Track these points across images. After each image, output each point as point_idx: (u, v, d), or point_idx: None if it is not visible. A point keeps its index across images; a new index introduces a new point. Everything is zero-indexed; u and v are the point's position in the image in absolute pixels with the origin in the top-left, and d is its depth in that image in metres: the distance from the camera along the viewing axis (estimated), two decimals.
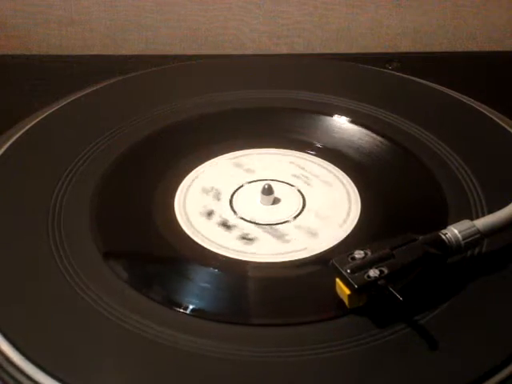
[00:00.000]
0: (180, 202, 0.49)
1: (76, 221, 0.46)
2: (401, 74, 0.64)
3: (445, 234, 0.40)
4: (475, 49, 0.81)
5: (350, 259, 0.39)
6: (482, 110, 0.57)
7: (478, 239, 0.41)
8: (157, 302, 0.40)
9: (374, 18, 0.80)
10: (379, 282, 0.37)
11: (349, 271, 0.38)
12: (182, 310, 0.40)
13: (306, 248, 0.45)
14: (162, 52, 0.80)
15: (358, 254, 0.39)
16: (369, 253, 0.39)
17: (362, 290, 0.37)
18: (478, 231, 0.41)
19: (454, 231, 0.40)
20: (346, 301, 0.38)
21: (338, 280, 0.39)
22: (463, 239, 0.40)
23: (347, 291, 0.38)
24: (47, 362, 0.36)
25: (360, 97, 0.58)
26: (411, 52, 0.79)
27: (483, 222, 0.41)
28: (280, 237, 0.46)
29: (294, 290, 0.42)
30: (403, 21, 0.80)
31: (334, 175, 0.52)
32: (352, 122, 0.56)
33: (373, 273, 0.38)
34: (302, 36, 0.81)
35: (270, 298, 0.42)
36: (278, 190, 0.50)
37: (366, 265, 0.38)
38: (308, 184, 0.51)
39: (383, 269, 0.38)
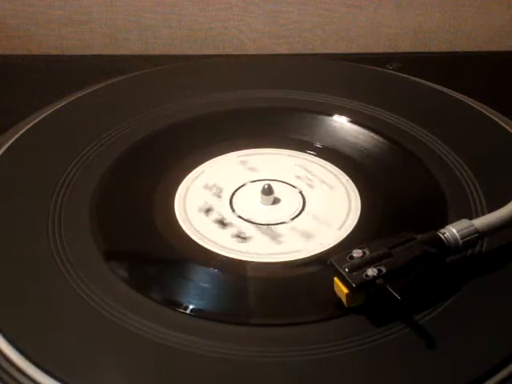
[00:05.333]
0: (180, 202, 0.49)
1: (76, 221, 0.46)
2: (401, 74, 0.64)
3: (443, 234, 0.40)
4: (475, 49, 0.81)
5: (348, 258, 0.39)
6: (481, 110, 0.57)
7: (477, 238, 0.41)
8: (157, 302, 0.40)
9: (373, 18, 0.80)
10: (377, 281, 0.37)
11: (347, 270, 0.38)
12: (181, 310, 0.40)
13: (305, 248, 0.45)
14: (162, 52, 0.80)
15: (357, 252, 0.39)
16: (367, 252, 0.39)
17: (360, 288, 0.37)
18: (477, 230, 0.41)
19: (452, 230, 0.40)
20: (344, 300, 0.38)
21: (336, 279, 0.39)
22: (461, 238, 0.40)
23: (345, 290, 0.38)
24: (47, 362, 0.36)
25: (360, 97, 0.58)
26: (411, 52, 0.79)
27: (481, 221, 0.41)
28: (279, 237, 0.46)
29: (293, 289, 0.42)
30: (403, 21, 0.80)
31: (334, 175, 0.52)
32: (352, 121, 0.56)
33: (371, 272, 0.38)
34: (302, 36, 0.81)
35: (269, 297, 0.42)
36: (278, 190, 0.50)
37: (365, 264, 0.38)
38: (308, 184, 0.51)
39: (381, 268, 0.38)
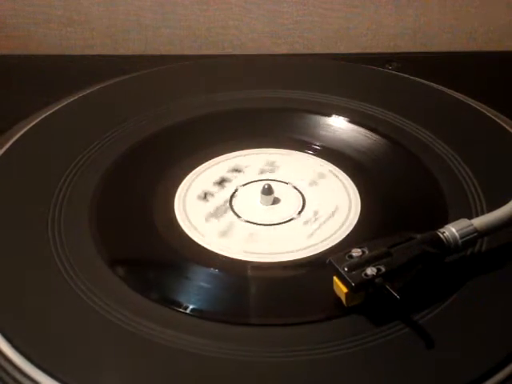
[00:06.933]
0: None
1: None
2: (401, 74, 0.64)
3: (442, 233, 0.40)
4: (475, 49, 0.81)
5: (347, 257, 0.39)
6: (482, 110, 0.57)
7: (476, 238, 0.41)
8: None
9: (373, 18, 0.80)
10: (376, 281, 0.37)
11: (346, 269, 0.38)
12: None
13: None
14: (162, 52, 0.80)
15: (356, 252, 0.39)
16: (366, 251, 0.39)
17: (359, 288, 0.38)
18: (476, 230, 0.41)
19: (451, 230, 0.40)
20: (343, 299, 0.38)
21: (335, 278, 0.39)
22: (461, 238, 0.40)
23: (344, 289, 0.38)
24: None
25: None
26: (411, 52, 0.79)
27: (481, 220, 0.41)
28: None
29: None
30: (403, 21, 0.80)
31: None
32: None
33: (370, 271, 0.38)
34: (302, 36, 0.81)
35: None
36: (278, 190, 0.50)
37: (364, 263, 0.38)
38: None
39: (380, 267, 0.38)
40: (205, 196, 0.50)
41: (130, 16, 0.79)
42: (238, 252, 0.45)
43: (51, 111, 0.57)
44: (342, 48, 0.81)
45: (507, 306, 0.39)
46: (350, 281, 0.37)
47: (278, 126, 0.56)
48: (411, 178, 0.51)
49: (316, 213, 0.48)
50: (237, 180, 0.51)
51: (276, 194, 0.49)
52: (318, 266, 0.43)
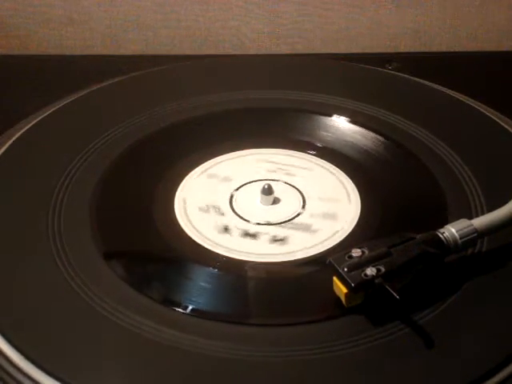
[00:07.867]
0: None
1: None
2: (401, 74, 0.64)
3: (442, 233, 0.40)
4: (475, 49, 0.81)
5: (347, 258, 0.39)
6: (482, 110, 0.57)
7: (476, 238, 0.41)
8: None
9: (373, 17, 0.80)
10: (376, 281, 0.37)
11: (346, 270, 0.38)
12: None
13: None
14: (162, 52, 0.80)
15: (356, 252, 0.39)
16: (366, 251, 0.39)
17: (359, 288, 0.38)
18: (476, 230, 0.41)
19: (451, 230, 0.40)
20: (343, 299, 0.38)
21: (335, 278, 0.39)
22: (460, 238, 0.40)
23: (344, 290, 0.38)
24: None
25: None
26: (411, 52, 0.79)
27: (481, 221, 0.41)
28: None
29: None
30: (403, 21, 0.80)
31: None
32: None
33: (370, 271, 0.38)
34: (302, 36, 0.81)
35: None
36: (278, 190, 0.50)
37: (363, 263, 0.38)
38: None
39: (380, 267, 0.38)
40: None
41: (129, 16, 0.79)
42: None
43: (51, 111, 0.57)
44: (342, 48, 0.81)
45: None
46: (350, 281, 0.37)
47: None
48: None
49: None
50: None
51: (276, 194, 0.49)
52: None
